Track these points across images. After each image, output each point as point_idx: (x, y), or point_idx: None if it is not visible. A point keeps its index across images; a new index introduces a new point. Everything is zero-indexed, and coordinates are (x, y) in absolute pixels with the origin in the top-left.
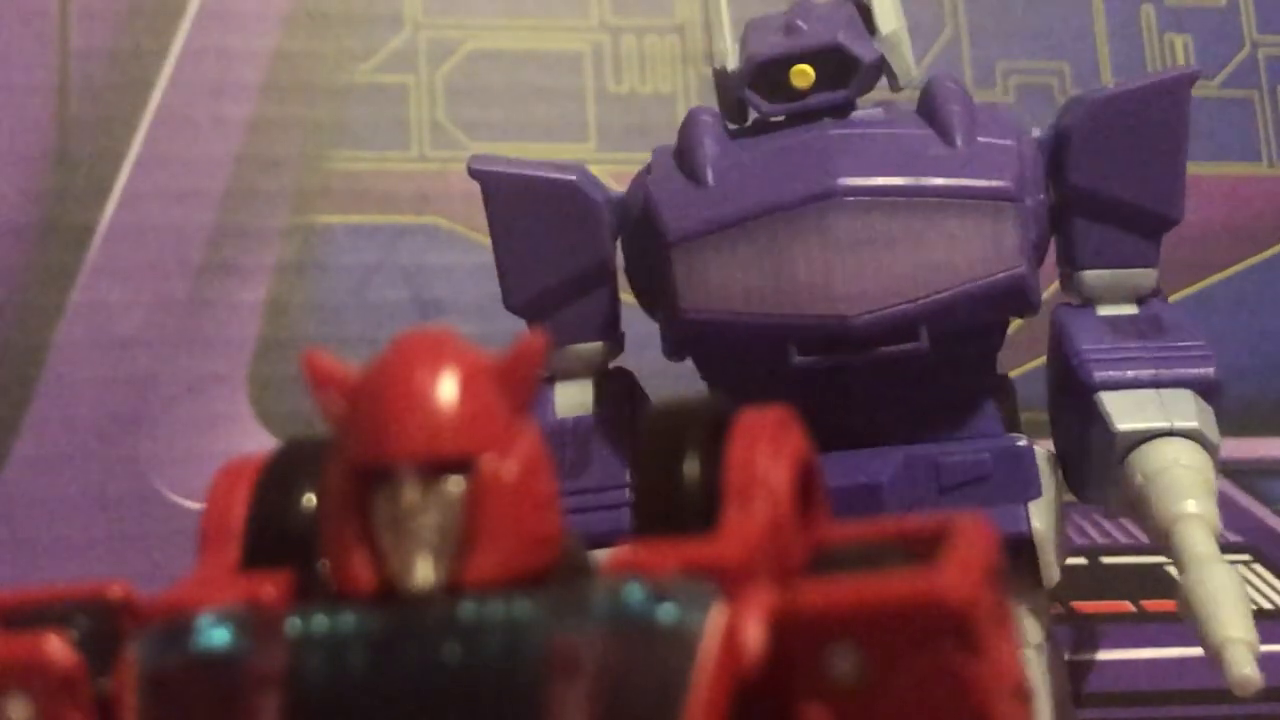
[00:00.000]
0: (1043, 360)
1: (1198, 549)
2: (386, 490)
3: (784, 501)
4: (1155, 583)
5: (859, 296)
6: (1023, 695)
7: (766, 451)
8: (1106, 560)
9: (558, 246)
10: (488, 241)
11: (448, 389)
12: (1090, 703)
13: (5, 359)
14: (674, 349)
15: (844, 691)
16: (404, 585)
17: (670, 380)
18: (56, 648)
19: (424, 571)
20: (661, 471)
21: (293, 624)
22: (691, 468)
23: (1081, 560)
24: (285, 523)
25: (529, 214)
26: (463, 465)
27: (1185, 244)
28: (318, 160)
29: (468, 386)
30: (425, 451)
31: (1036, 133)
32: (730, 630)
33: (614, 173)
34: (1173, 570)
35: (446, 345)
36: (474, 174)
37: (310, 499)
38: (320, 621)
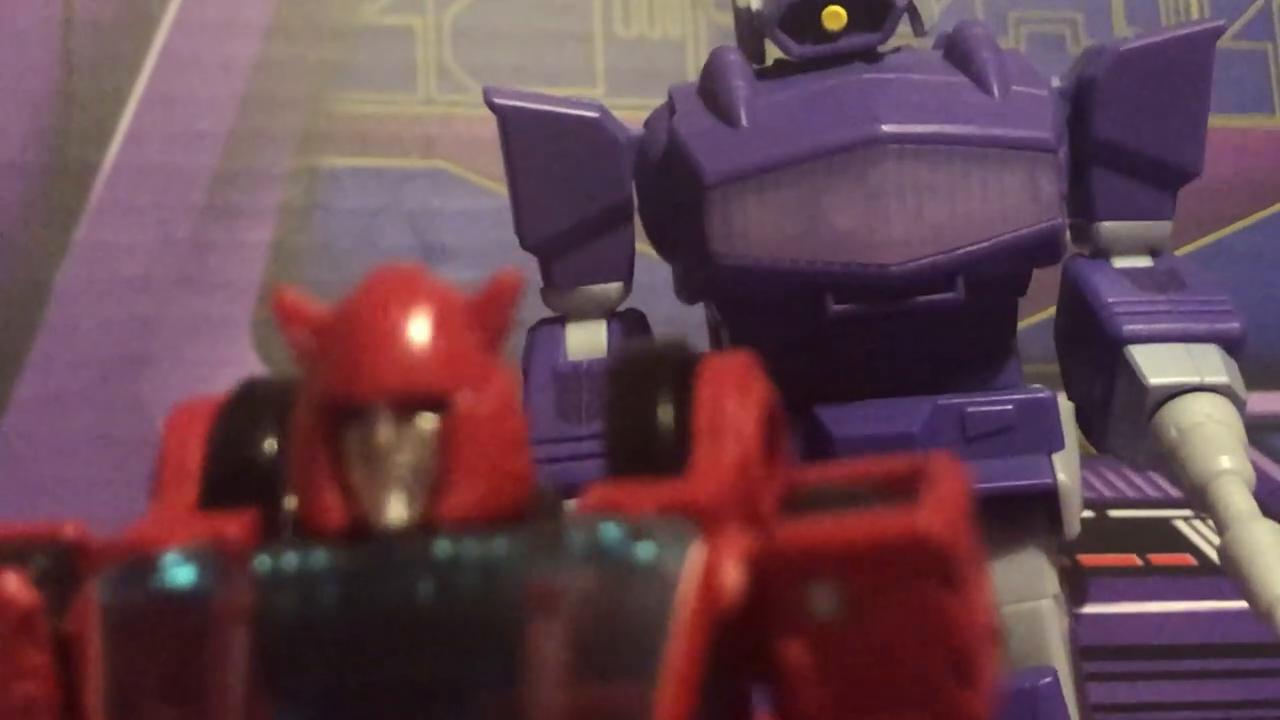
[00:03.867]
0: (1039, 316)
1: (1237, 506)
2: (359, 427)
3: (753, 444)
4: (1162, 537)
5: (899, 245)
6: (996, 636)
7: (734, 395)
8: (1114, 514)
9: (577, 185)
10: (494, 186)
11: (422, 325)
12: (1096, 656)
13: (8, 299)
14: (693, 294)
15: (824, 629)
16: (376, 523)
17: (669, 326)
18: (14, 585)
19: (397, 509)
20: (631, 414)
21: (261, 561)
22: (663, 410)
23: (1089, 513)
24: (245, 462)
25: (549, 150)
26: (437, 403)
27: (1195, 197)
28: (323, 102)
29: (442, 323)
30: (399, 388)
31: (1056, 82)
32: (709, 569)
33: (622, 118)
34: (1180, 525)
35: (419, 282)
36: (493, 107)
37: (270, 440)
38: (290, 559)
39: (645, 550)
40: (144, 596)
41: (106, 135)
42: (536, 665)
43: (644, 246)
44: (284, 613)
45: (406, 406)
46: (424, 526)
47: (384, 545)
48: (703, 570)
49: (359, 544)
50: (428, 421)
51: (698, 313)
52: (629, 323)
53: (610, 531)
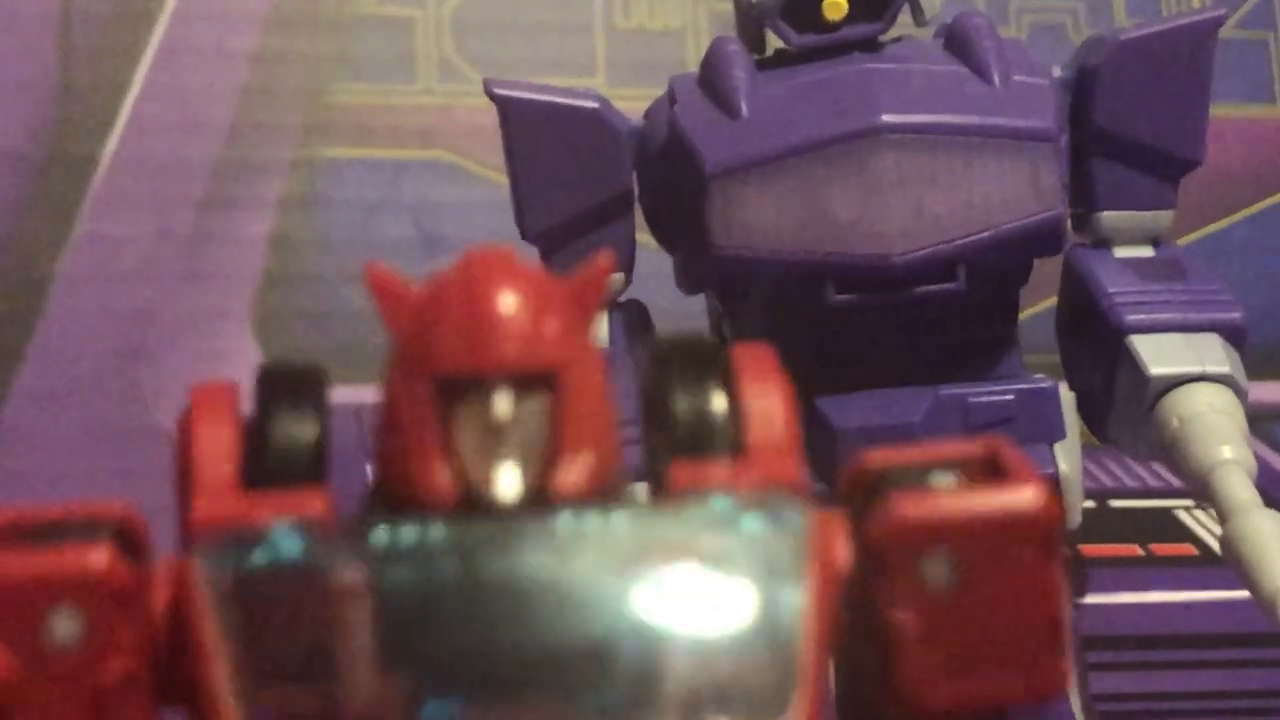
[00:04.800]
0: (1044, 304)
1: (1239, 496)
2: (473, 401)
3: (795, 427)
4: (1164, 527)
5: (900, 235)
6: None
7: (774, 381)
8: (1115, 504)
9: (578, 175)
10: (494, 177)
11: (536, 304)
12: (1098, 646)
13: (7, 291)
14: (694, 284)
15: (936, 597)
16: (490, 496)
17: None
18: (108, 558)
19: (512, 483)
20: (686, 400)
21: (378, 535)
22: (718, 396)
23: (1090, 503)
24: (291, 442)
25: (549, 141)
26: (548, 379)
27: (1197, 186)
28: (323, 94)
29: (550, 303)
30: (518, 363)
31: (1057, 71)
32: (825, 539)
33: (623, 108)
34: (1181, 515)
35: (520, 263)
36: (494, 97)
37: (314, 420)
38: (407, 533)
39: (775, 520)
40: (260, 568)
41: (105, 127)
42: (666, 636)
43: (645, 237)
44: (407, 586)
45: (523, 381)
46: (535, 501)
47: (505, 519)
48: (820, 540)
49: (474, 517)
50: (540, 397)
51: (698, 303)
52: (630, 314)
53: (721, 504)
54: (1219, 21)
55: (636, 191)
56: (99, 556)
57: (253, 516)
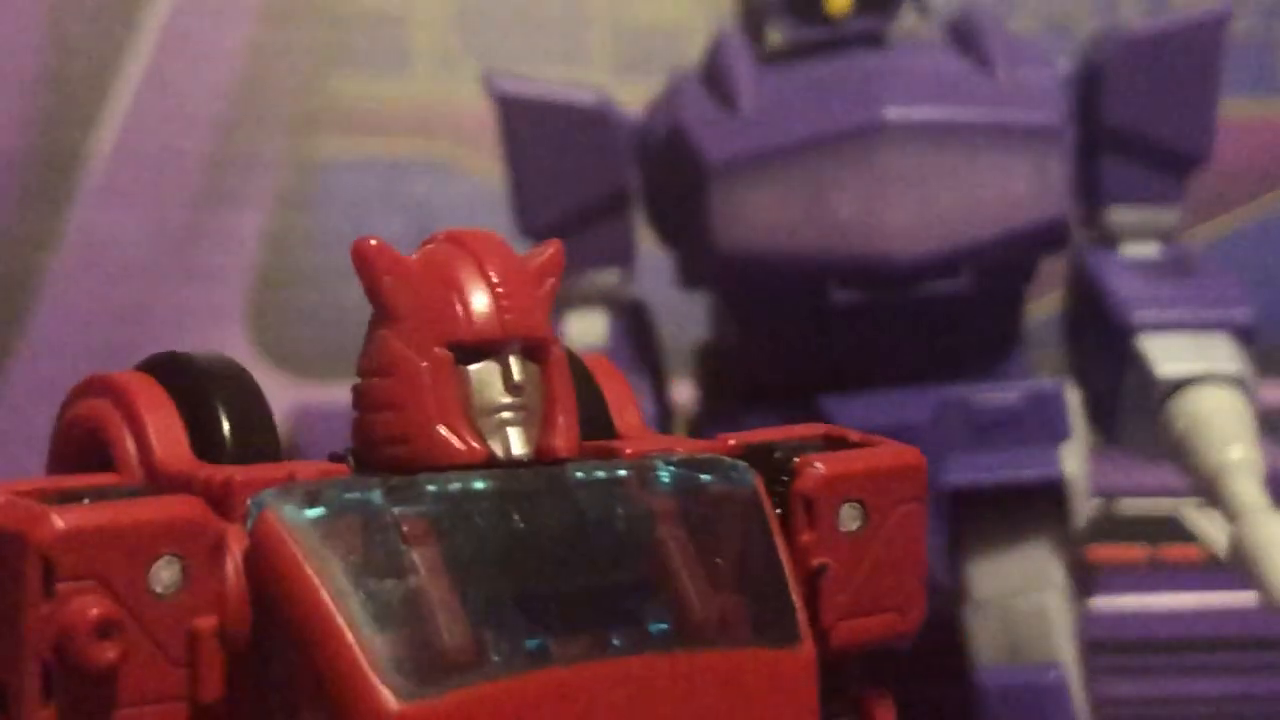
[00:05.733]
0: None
1: (1247, 498)
2: (485, 367)
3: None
4: (1171, 528)
5: (903, 233)
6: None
7: (621, 382)
8: (1122, 505)
9: (577, 171)
10: (492, 172)
11: (530, 280)
12: (1105, 650)
13: None
14: (695, 281)
15: (849, 543)
16: (503, 454)
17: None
18: (202, 509)
19: (521, 442)
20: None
21: (437, 487)
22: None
23: (1096, 504)
24: (250, 418)
25: (548, 137)
26: (542, 348)
27: (1202, 181)
28: (318, 88)
29: (536, 280)
30: (528, 332)
31: (1063, 67)
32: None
33: (624, 102)
34: (1189, 516)
35: (504, 242)
36: (493, 94)
37: (260, 401)
38: (453, 483)
39: (739, 476)
40: (347, 515)
41: (94, 120)
42: (680, 569)
43: (646, 235)
44: (481, 531)
45: (528, 349)
46: (538, 458)
47: (529, 471)
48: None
49: (502, 471)
50: (531, 365)
51: (698, 300)
52: (631, 311)
53: (682, 462)
54: (1226, 17)
55: (637, 187)
56: (198, 506)
57: (287, 475)
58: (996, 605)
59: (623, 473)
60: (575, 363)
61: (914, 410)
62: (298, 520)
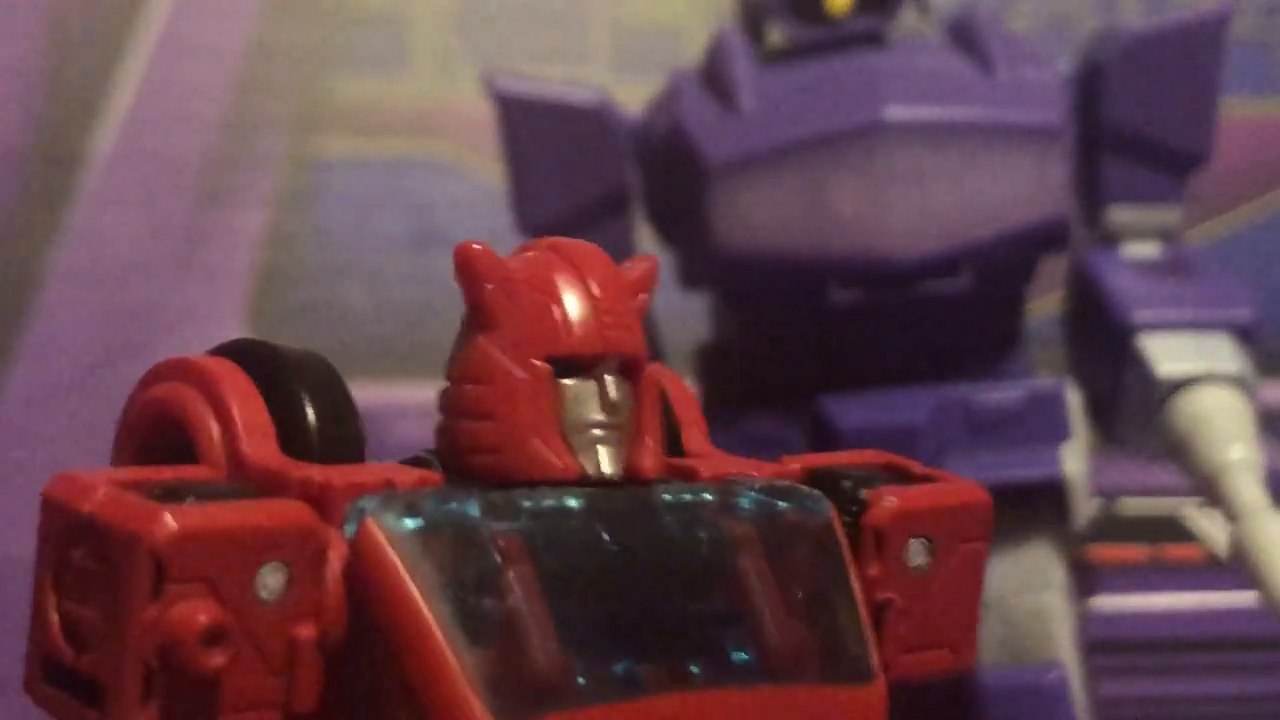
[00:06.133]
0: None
1: (1248, 498)
2: (581, 383)
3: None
4: (1173, 528)
5: (904, 233)
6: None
7: (689, 393)
8: (1123, 505)
9: (577, 171)
10: (490, 171)
11: (627, 293)
12: (1106, 650)
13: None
14: (695, 282)
15: (914, 578)
16: (594, 473)
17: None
18: (309, 514)
19: (612, 461)
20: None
21: (530, 503)
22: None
23: (1097, 504)
24: (342, 417)
25: (548, 136)
26: (635, 366)
27: (1202, 181)
28: (318, 88)
29: (633, 295)
30: (626, 348)
31: (1064, 66)
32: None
33: (623, 101)
34: (1190, 516)
35: (603, 254)
36: (493, 94)
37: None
38: (548, 500)
39: (816, 504)
40: (446, 528)
41: (94, 119)
42: (759, 598)
43: (646, 235)
44: (574, 550)
45: (624, 367)
46: (625, 479)
47: (625, 491)
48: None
49: (596, 489)
50: (627, 384)
51: (698, 300)
52: None
53: (762, 488)
54: (1228, 16)
55: (637, 187)
56: (307, 513)
57: (385, 480)
58: (996, 605)
59: (708, 497)
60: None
61: (914, 410)
62: (398, 530)
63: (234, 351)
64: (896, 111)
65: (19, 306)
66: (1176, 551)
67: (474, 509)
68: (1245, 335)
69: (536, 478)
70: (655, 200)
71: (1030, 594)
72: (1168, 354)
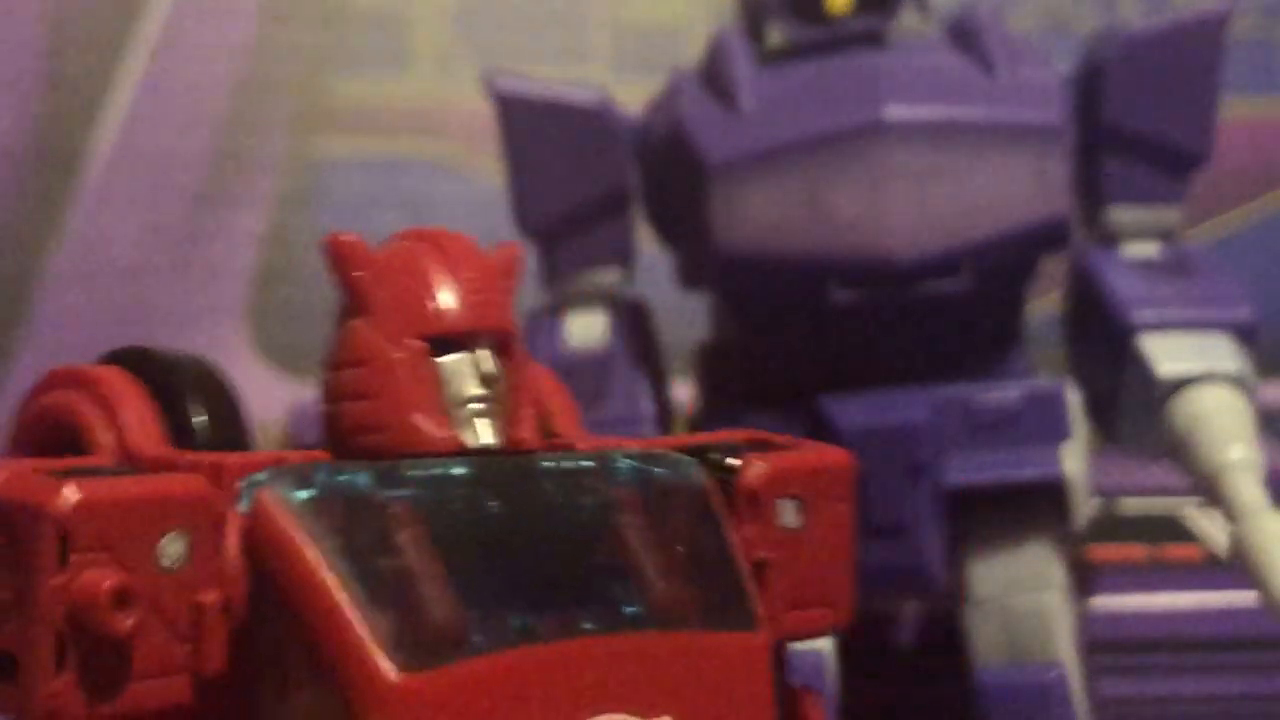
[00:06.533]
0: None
1: (1248, 498)
2: (456, 359)
3: None
4: (1172, 528)
5: (904, 233)
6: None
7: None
8: (1123, 505)
9: (577, 171)
10: (490, 171)
11: (497, 275)
12: (1106, 650)
13: None
14: (695, 281)
15: (786, 537)
16: (474, 444)
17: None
18: (204, 484)
19: (491, 432)
20: None
21: (419, 473)
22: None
23: (1097, 503)
24: (225, 411)
25: (548, 136)
26: (507, 342)
27: (1202, 181)
28: (318, 88)
29: (502, 277)
30: (498, 325)
31: (1064, 67)
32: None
33: (624, 100)
34: (1190, 516)
35: (470, 240)
36: (493, 94)
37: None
38: (435, 469)
39: (690, 469)
40: (340, 497)
41: (94, 119)
42: (643, 555)
43: (646, 234)
44: (464, 515)
45: (496, 345)
46: (504, 450)
47: (507, 459)
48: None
49: (479, 458)
50: (499, 359)
51: (698, 300)
52: (631, 311)
53: (638, 455)
54: (1228, 16)
55: (637, 187)
56: (203, 483)
57: (274, 460)
58: (996, 605)
59: (586, 463)
60: None
61: (914, 410)
62: (292, 500)
63: (123, 358)
64: (896, 111)
65: (19, 306)
66: (1176, 551)
67: (364, 479)
68: (1245, 335)
69: (419, 451)
70: (655, 200)
71: (1030, 594)
72: (1168, 354)
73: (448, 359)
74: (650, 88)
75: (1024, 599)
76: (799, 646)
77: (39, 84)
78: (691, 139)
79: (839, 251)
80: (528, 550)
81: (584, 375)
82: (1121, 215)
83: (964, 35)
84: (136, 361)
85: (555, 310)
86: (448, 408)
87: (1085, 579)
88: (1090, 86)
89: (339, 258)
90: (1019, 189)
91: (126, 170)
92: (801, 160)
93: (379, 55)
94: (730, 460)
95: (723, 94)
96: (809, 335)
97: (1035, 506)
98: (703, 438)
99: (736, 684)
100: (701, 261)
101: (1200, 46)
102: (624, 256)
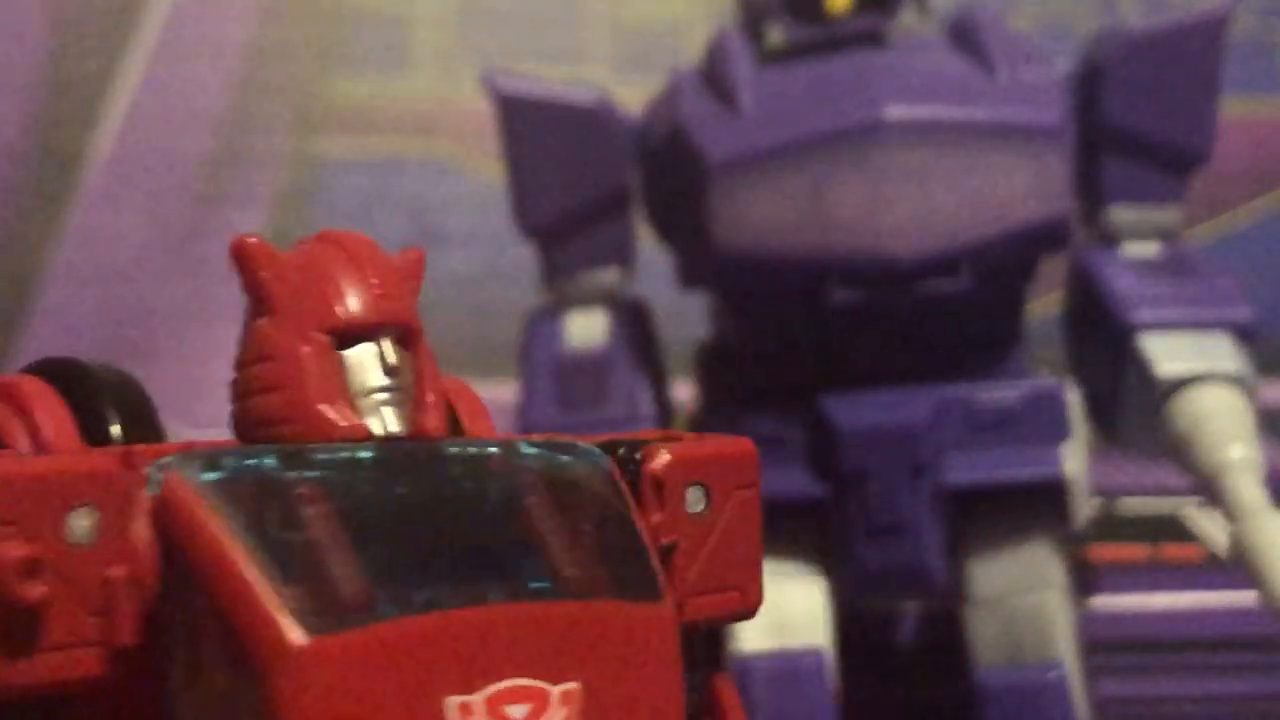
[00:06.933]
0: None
1: (1248, 498)
2: (361, 351)
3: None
4: (1172, 528)
5: (903, 233)
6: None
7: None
8: (1123, 504)
9: (577, 170)
10: (490, 171)
11: (399, 274)
12: (1105, 649)
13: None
14: (695, 281)
15: (694, 522)
16: (381, 432)
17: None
18: (114, 460)
19: (397, 420)
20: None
21: (325, 457)
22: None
23: (1097, 503)
24: (138, 411)
25: (548, 136)
26: (411, 335)
27: (1202, 181)
28: (319, 86)
29: (404, 275)
30: (400, 319)
31: (1064, 66)
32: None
33: (624, 100)
34: (1190, 515)
35: (373, 242)
36: (493, 93)
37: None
38: (341, 454)
39: (595, 456)
40: (245, 477)
41: (94, 120)
42: (550, 534)
43: (646, 234)
44: (370, 496)
45: (396, 337)
46: (410, 437)
47: (413, 445)
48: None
49: (384, 445)
50: (404, 352)
51: (698, 300)
52: (631, 310)
53: (543, 444)
54: (1228, 16)
55: (637, 187)
56: (113, 458)
57: (186, 444)
58: (996, 605)
59: (492, 450)
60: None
61: (914, 410)
62: (201, 481)
63: (42, 369)
64: (896, 111)
65: (19, 306)
66: (1176, 551)
67: (271, 461)
68: (1245, 335)
69: (327, 440)
70: (655, 200)
71: (1030, 594)
72: (1167, 354)
73: (352, 351)
74: (650, 88)
75: (1024, 599)
76: (799, 646)
77: (40, 85)
78: (691, 139)
79: (839, 251)
80: (434, 528)
81: (584, 375)
82: (1121, 215)
83: (964, 35)
84: (55, 372)
85: (555, 310)
86: (354, 398)
87: (1085, 579)
88: (1090, 86)
89: (245, 259)
90: (1019, 189)
91: (127, 170)
92: (801, 160)
93: (379, 55)
94: (637, 454)
95: (722, 94)
96: (809, 335)
97: (1035, 506)
98: (613, 436)
99: (644, 653)
100: (701, 261)
101: (1200, 47)
102: (624, 256)
